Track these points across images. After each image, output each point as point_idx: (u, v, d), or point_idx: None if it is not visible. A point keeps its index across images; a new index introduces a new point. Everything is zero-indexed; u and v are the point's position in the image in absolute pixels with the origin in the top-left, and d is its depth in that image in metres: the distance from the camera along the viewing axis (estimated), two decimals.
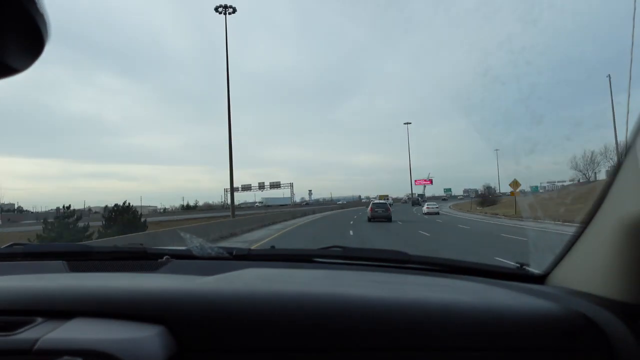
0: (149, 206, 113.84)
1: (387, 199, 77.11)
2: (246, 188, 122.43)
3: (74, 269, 1.54)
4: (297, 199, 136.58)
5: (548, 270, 1.36)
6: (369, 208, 30.78)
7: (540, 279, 1.38)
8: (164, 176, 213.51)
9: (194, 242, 1.72)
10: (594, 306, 1.00)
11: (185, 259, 1.65)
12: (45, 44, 0.58)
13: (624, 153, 0.98)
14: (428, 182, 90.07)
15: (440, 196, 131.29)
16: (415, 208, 64.15)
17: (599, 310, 0.98)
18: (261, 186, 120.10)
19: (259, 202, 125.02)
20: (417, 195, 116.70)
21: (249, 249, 1.74)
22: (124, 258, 1.69)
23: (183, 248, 1.76)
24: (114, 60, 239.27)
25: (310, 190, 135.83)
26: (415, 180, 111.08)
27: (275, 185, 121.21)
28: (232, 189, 36.03)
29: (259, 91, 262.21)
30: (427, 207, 46.50)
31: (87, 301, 1.03)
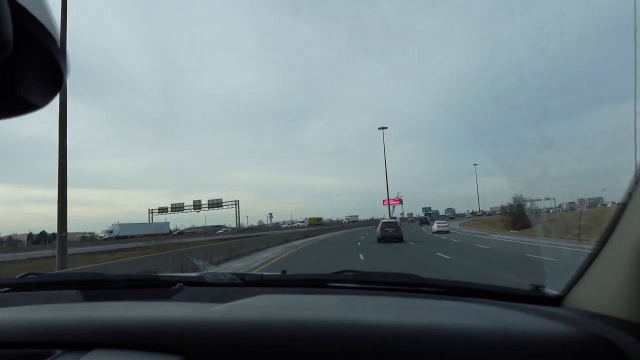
0: (85, 233, 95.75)
1: (395, 218, 75.81)
2: (177, 208, 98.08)
3: (88, 298, 1.55)
4: (256, 222, 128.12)
5: (564, 292, 1.35)
6: (379, 228, 29.69)
7: (556, 301, 1.36)
8: (117, 201, 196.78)
9: (206, 269, 1.73)
10: (613, 329, 0.99)
11: (198, 286, 1.65)
12: (65, 80, 0.58)
13: (638, 174, 1.00)
14: (397, 202, 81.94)
15: (447, 215, 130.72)
16: (424, 227, 62.30)
17: (618, 333, 0.96)
18: (197, 205, 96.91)
19: (175, 230, 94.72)
20: (424, 214, 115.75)
21: (262, 274, 1.75)
22: (138, 286, 1.70)
23: (196, 275, 1.77)
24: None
25: (270, 213, 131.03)
26: (384, 200, 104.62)
27: (215, 205, 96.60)
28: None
29: (220, 113, 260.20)
30: (438, 225, 45.71)
31: (105, 332, 1.04)
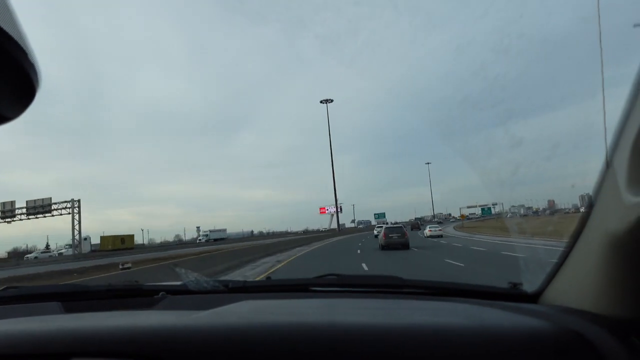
0: None
1: (386, 223, 73.03)
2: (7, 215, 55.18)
3: (69, 309, 1.52)
4: (188, 237, 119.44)
5: (540, 288, 1.37)
6: (382, 234, 26.36)
7: (534, 298, 1.39)
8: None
9: (189, 277, 1.71)
10: (586, 323, 1.01)
11: (181, 294, 1.64)
12: (37, 92, 0.58)
13: (604, 170, 1.02)
14: (332, 210, 77.89)
15: (435, 220, 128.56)
16: (419, 232, 60.55)
17: (591, 327, 0.99)
18: (7, 212, 54.78)
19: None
20: (414, 218, 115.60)
21: (245, 281, 1.74)
22: (120, 296, 1.67)
23: (179, 283, 1.75)
24: None
25: (198, 227, 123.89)
26: (321, 208, 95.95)
27: (40, 210, 56.21)
28: None
29: (146, 124, 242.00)
30: (430, 230, 44.22)
31: (84, 342, 1.03)
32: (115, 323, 1.16)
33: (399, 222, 64.63)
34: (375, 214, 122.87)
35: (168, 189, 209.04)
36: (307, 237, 49.11)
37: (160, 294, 1.60)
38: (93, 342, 1.02)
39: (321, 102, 70.65)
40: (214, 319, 1.16)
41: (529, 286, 1.48)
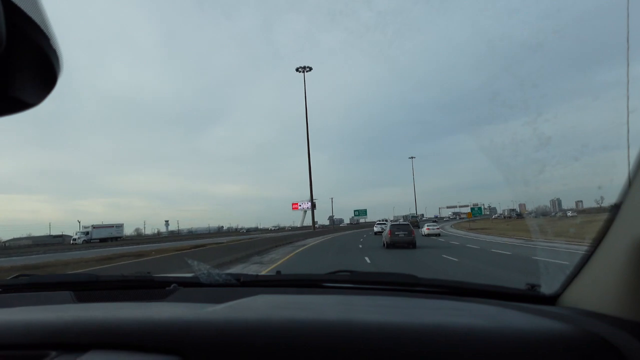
0: None
1: (385, 221, 70.61)
2: None
3: (81, 299, 1.54)
4: (163, 230, 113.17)
5: (559, 291, 1.35)
6: (387, 231, 24.90)
7: (552, 300, 1.37)
8: None
9: (201, 269, 1.72)
10: (609, 327, 0.99)
11: (192, 287, 1.64)
12: (58, 78, 0.59)
13: (632, 173, 1.00)
14: (305, 206, 71.40)
15: (431, 218, 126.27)
16: (419, 230, 58.73)
17: (614, 331, 0.97)
18: None
19: None
20: (410, 216, 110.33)
21: (257, 275, 1.75)
22: (132, 287, 1.68)
23: (190, 275, 1.76)
24: None
25: (166, 221, 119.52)
26: (294, 204, 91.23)
27: None
28: None
29: (116, 114, 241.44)
30: (428, 228, 43.40)
31: (100, 333, 1.03)
32: (132, 315, 1.16)
33: (383, 221, 62.13)
34: (355, 211, 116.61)
35: (138, 181, 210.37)
36: (269, 237, 37.09)
37: (172, 286, 1.60)
38: (111, 333, 1.03)
39: (297, 70, 57.56)
40: (229, 312, 1.16)
41: (547, 288, 1.46)
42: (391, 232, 24.56)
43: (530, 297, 1.45)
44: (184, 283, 1.65)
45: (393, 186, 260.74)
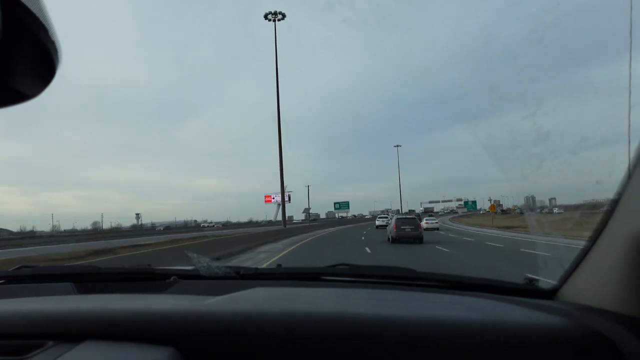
0: None
1: (387, 214, 66.08)
2: None
3: (81, 290, 1.54)
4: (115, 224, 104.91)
5: (557, 285, 1.35)
6: (393, 225, 23.59)
7: (550, 294, 1.37)
8: None
9: (201, 262, 1.73)
10: (607, 322, 0.99)
11: (192, 279, 1.65)
12: (57, 71, 0.58)
13: (632, 167, 1.00)
14: (279, 198, 60.65)
15: (427, 213, 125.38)
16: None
17: (611, 326, 0.97)
18: None
19: None
20: (408, 210, 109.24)
21: (256, 268, 1.75)
22: (132, 279, 1.69)
23: (190, 268, 1.76)
24: None
25: (138, 214, 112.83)
26: (266, 196, 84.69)
27: None
28: None
29: (91, 105, 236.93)
30: (427, 222, 41.44)
31: (96, 324, 1.04)
32: (129, 306, 1.17)
33: (384, 214, 59.65)
34: (335, 203, 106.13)
35: (114, 174, 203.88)
36: (224, 238, 27.35)
37: (172, 278, 1.61)
38: (107, 324, 1.03)
39: (266, 17, 43.15)
40: (228, 305, 1.16)
41: (545, 282, 1.46)
42: (397, 226, 23.29)
43: (528, 291, 1.45)
44: (184, 275, 1.65)
45: (372, 182, 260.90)
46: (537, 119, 1.70)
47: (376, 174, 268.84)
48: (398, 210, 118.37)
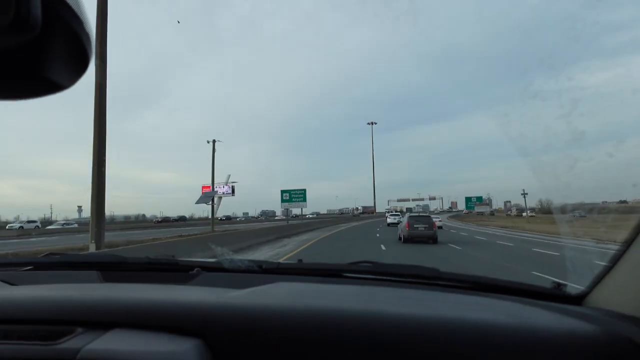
0: None
1: (398, 212, 62.89)
2: None
3: (107, 279, 1.58)
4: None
5: (586, 290, 1.32)
6: (405, 224, 22.68)
7: (578, 300, 1.34)
8: None
9: (224, 255, 1.76)
10: (638, 329, 0.96)
11: (215, 272, 1.67)
12: (90, 62, 0.59)
13: None
14: (221, 190, 48.22)
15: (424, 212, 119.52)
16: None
17: None
18: None
19: None
20: (405, 208, 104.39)
21: (279, 263, 1.77)
22: (156, 269, 1.72)
23: (213, 260, 1.79)
24: None
25: (79, 207, 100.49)
26: (203, 187, 76.05)
27: None
28: None
29: None
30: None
31: (124, 312, 1.06)
32: (156, 296, 1.18)
33: (396, 212, 56.85)
34: (284, 192, 57.85)
35: (63, 164, 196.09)
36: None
37: (196, 270, 1.63)
38: (135, 313, 1.06)
39: None
40: (254, 298, 1.17)
41: (574, 287, 1.43)
42: (409, 224, 22.42)
43: (555, 296, 1.42)
44: (207, 267, 1.68)
45: (332, 181, 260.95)
46: (572, 119, 1.66)
47: (337, 174, 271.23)
48: (358, 208, 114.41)
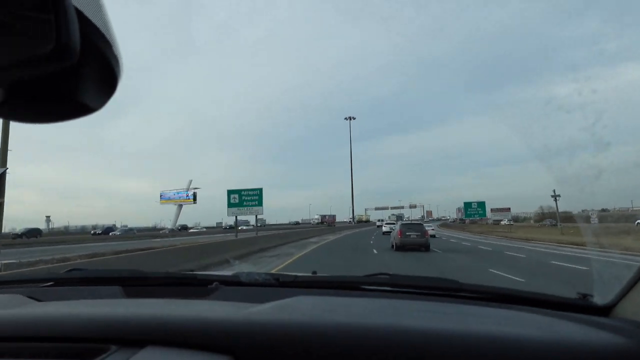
0: None
1: (391, 220, 63.08)
2: None
3: (129, 294, 1.58)
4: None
5: (614, 301, 1.31)
6: (397, 231, 22.81)
7: (605, 311, 1.33)
8: None
9: (241, 269, 1.78)
10: None
11: (233, 286, 1.67)
12: (118, 84, 0.61)
13: None
14: (183, 199, 43.92)
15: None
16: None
17: None
18: None
19: None
20: (394, 216, 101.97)
21: (295, 276, 1.75)
22: (176, 284, 1.74)
23: (230, 274, 1.79)
24: None
25: (48, 217, 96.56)
26: (162, 194, 63.01)
27: None
28: None
29: None
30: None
31: (156, 329, 1.06)
32: (181, 312, 1.18)
33: (391, 220, 56.08)
34: (231, 193, 37.31)
35: (31, 173, 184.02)
36: None
37: (214, 284, 1.63)
38: (166, 330, 1.06)
39: None
40: (276, 313, 1.17)
41: (600, 298, 1.41)
42: (401, 232, 22.36)
43: (581, 307, 1.39)
44: (225, 282, 1.68)
45: (303, 189, 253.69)
46: (596, 130, 1.68)
47: (307, 183, 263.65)
48: (323, 215, 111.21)
